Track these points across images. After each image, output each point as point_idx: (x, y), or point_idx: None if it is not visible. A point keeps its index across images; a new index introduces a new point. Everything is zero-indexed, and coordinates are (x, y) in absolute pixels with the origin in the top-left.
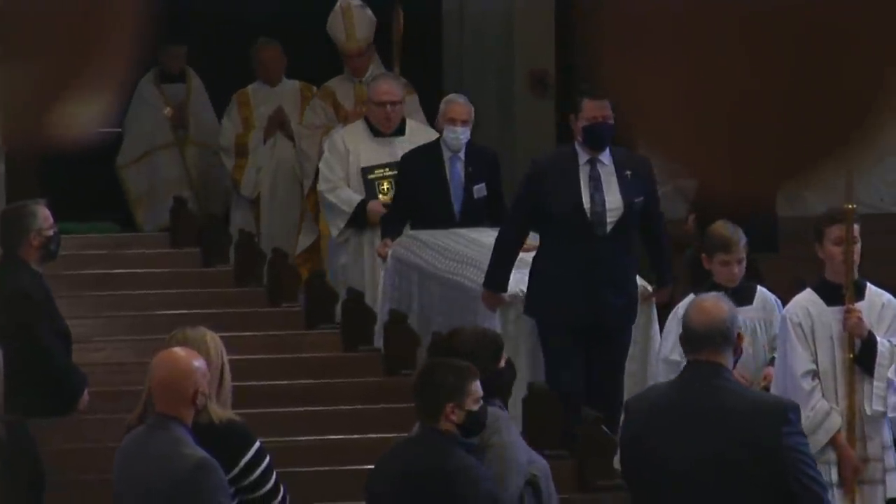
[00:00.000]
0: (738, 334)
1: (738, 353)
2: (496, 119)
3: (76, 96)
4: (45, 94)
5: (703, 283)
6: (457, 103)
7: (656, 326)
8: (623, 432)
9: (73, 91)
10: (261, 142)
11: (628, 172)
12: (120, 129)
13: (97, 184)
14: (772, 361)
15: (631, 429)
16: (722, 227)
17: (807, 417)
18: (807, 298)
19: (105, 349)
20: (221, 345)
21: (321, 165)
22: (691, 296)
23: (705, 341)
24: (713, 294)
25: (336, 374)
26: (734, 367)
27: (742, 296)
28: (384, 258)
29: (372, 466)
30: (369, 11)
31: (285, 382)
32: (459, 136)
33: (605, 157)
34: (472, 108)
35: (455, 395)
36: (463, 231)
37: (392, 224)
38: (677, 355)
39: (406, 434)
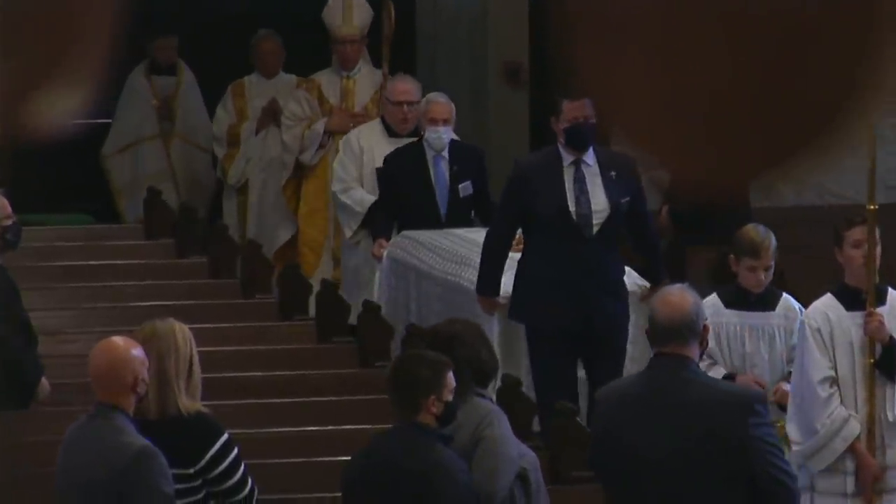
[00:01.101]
0: (704, 326)
1: (703, 344)
2: (469, 111)
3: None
4: (21, 87)
5: (728, 284)
6: (437, 103)
7: None
8: (593, 425)
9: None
10: (252, 132)
11: (613, 173)
12: (99, 121)
13: (72, 175)
14: (789, 375)
15: (600, 421)
16: (753, 231)
17: (824, 425)
18: (826, 303)
19: (79, 341)
20: (191, 336)
21: (335, 165)
22: (714, 294)
23: (672, 334)
24: (678, 286)
25: (310, 366)
26: (700, 358)
27: (765, 301)
28: (379, 259)
29: (347, 458)
30: (367, 3)
31: (259, 374)
32: (442, 135)
33: (590, 157)
34: (454, 107)
35: (435, 387)
36: (459, 231)
37: (383, 224)
38: (713, 343)
39: (382, 426)
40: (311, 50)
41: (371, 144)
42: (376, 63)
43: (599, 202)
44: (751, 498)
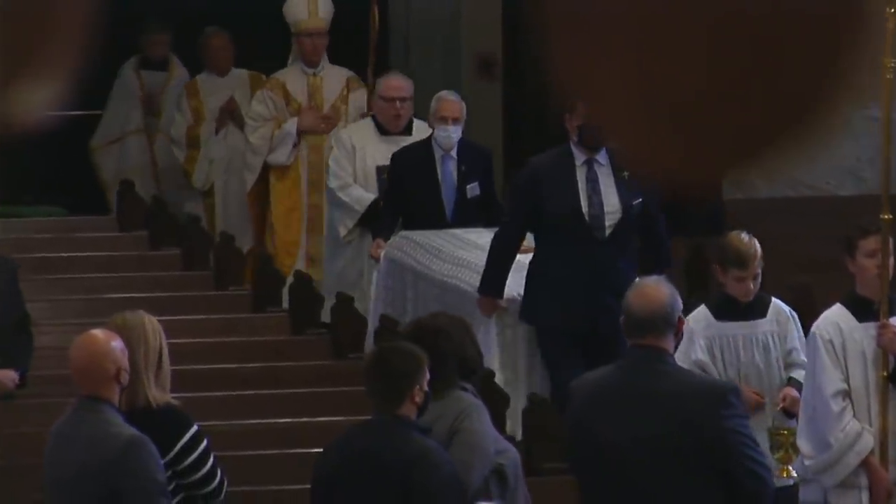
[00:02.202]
0: (679, 318)
1: (678, 336)
2: None
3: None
4: None
5: (713, 293)
6: (448, 101)
7: None
8: (567, 416)
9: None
10: (212, 133)
11: (626, 173)
12: (74, 113)
13: (45, 168)
14: (790, 381)
15: (574, 413)
16: (737, 241)
17: (837, 439)
18: (837, 314)
19: (52, 332)
20: (160, 328)
21: (331, 163)
22: (702, 306)
23: (647, 326)
24: (654, 278)
25: (283, 358)
26: (674, 350)
27: (755, 309)
28: (377, 259)
29: (320, 450)
30: None
31: (233, 366)
32: (451, 135)
33: (602, 157)
34: (464, 105)
35: (420, 378)
36: (458, 232)
37: (384, 224)
38: (706, 357)
39: (355, 418)
40: (273, 46)
41: (363, 143)
42: (332, 59)
43: (612, 203)
44: (725, 489)
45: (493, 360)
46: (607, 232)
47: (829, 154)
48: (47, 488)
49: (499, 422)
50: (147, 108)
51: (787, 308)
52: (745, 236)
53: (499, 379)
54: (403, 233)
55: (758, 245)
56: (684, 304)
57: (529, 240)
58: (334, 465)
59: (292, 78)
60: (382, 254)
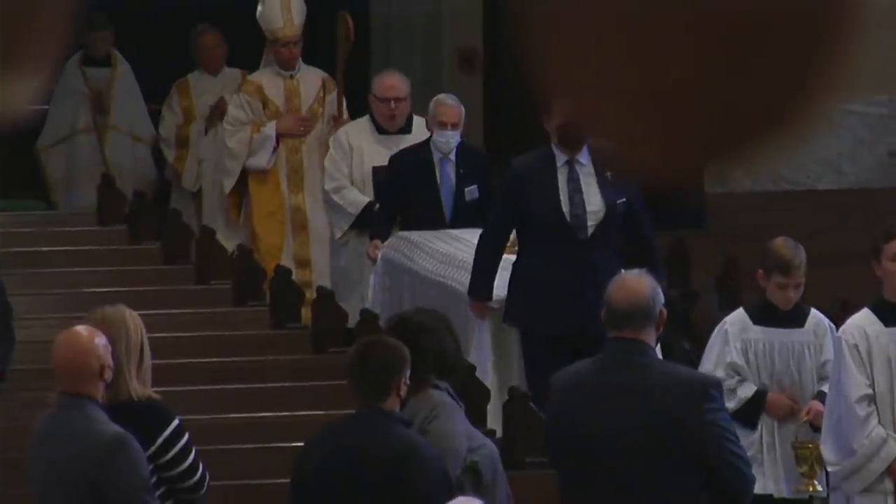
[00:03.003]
0: (661, 311)
1: (660, 329)
2: (423, 97)
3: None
4: None
5: (755, 299)
6: (446, 105)
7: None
8: (547, 410)
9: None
10: (202, 133)
11: (609, 172)
12: (45, 108)
13: (23, 162)
14: (818, 395)
15: (555, 406)
16: (783, 247)
17: (862, 445)
18: (863, 319)
19: (33, 327)
20: (141, 323)
21: (327, 163)
22: (740, 309)
23: (628, 319)
24: (636, 271)
25: (264, 352)
26: (656, 343)
27: (794, 317)
28: (374, 260)
29: (301, 444)
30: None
31: (214, 360)
32: (450, 139)
33: (584, 157)
34: (463, 109)
35: (404, 372)
36: (455, 232)
37: (381, 225)
38: (721, 372)
39: (335, 412)
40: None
41: (360, 143)
42: (305, 59)
43: (594, 203)
44: (705, 483)
45: (487, 361)
46: (590, 232)
47: (808, 147)
48: (31, 486)
49: (479, 416)
50: (95, 105)
51: (826, 320)
52: (791, 243)
53: (493, 380)
54: (400, 233)
55: (803, 253)
56: (666, 298)
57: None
58: (319, 459)
59: (268, 81)
60: (380, 254)
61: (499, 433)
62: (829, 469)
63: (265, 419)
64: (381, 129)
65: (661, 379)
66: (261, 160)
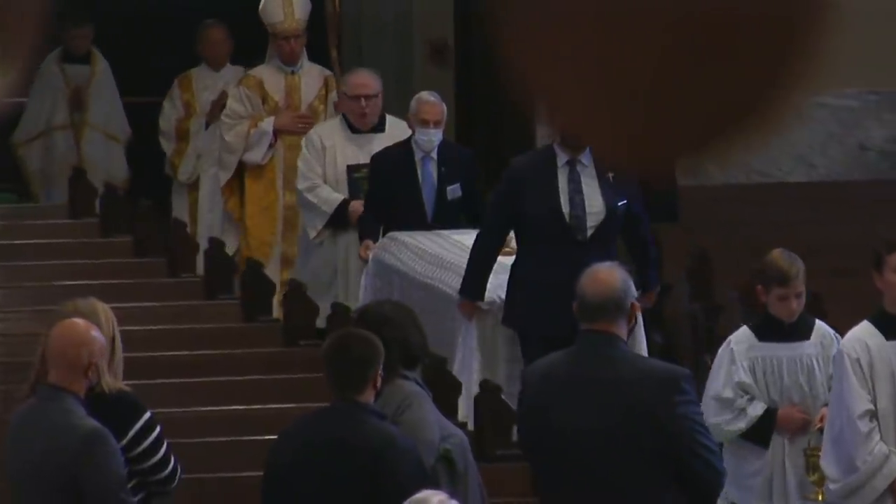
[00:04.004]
0: (632, 304)
1: (631, 321)
2: (394, 90)
3: None
4: None
5: (756, 315)
6: (428, 103)
7: (643, 333)
8: (520, 402)
9: None
10: (202, 127)
11: (611, 174)
12: (19, 103)
13: None
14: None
15: (527, 398)
16: (779, 258)
17: (865, 461)
18: (865, 332)
19: (7, 320)
20: (113, 316)
21: (300, 163)
22: (744, 327)
23: (600, 311)
24: (608, 263)
25: (235, 345)
26: (627, 336)
27: (799, 330)
28: (365, 261)
29: (272, 437)
30: None
31: (185, 353)
32: (432, 137)
33: (586, 157)
34: (445, 107)
35: (379, 364)
36: (445, 232)
37: (370, 225)
38: (730, 392)
39: (307, 405)
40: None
41: (333, 142)
42: (311, 56)
43: (595, 204)
44: (676, 475)
45: (473, 363)
46: (589, 233)
47: (779, 141)
48: (9, 478)
49: (450, 409)
50: (73, 102)
51: (831, 331)
52: (785, 254)
53: (479, 381)
54: (392, 234)
55: (800, 263)
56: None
57: (514, 241)
58: (293, 451)
59: (270, 76)
60: (371, 255)
61: (470, 426)
62: (830, 486)
63: (236, 412)
64: (353, 128)
65: (632, 372)
66: (256, 155)
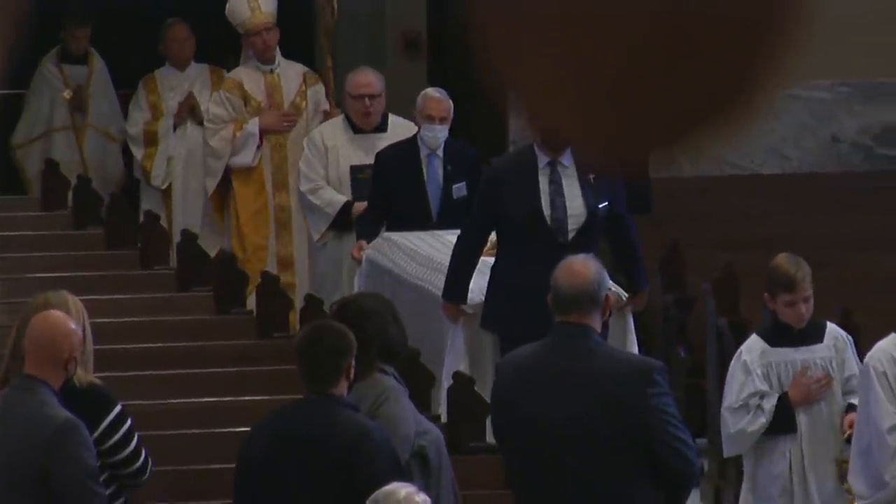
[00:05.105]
0: (606, 296)
1: (605, 314)
2: None
3: None
4: None
5: (768, 323)
6: (434, 99)
7: (633, 337)
8: (493, 394)
9: None
10: (170, 129)
11: (592, 175)
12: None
13: None
14: (850, 408)
15: (500, 390)
16: (784, 263)
17: (894, 477)
18: (891, 344)
19: None
20: (83, 308)
21: (301, 164)
22: (754, 335)
23: (574, 303)
24: (582, 255)
25: (209, 337)
26: (601, 328)
27: (811, 334)
28: (359, 261)
29: (246, 429)
30: None
31: (158, 345)
32: (438, 134)
33: (567, 159)
34: (451, 104)
35: (351, 357)
36: (439, 233)
37: (368, 225)
38: (743, 402)
39: (280, 397)
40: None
41: (336, 142)
42: (285, 54)
43: (576, 206)
44: (651, 467)
45: (461, 366)
46: (570, 236)
47: (752, 132)
48: None
49: (424, 402)
50: (74, 103)
51: (843, 333)
52: (791, 258)
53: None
54: (386, 234)
55: (807, 266)
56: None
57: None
58: (266, 444)
59: (249, 77)
60: (364, 256)
61: (444, 419)
62: (857, 503)
63: (209, 404)
64: (356, 128)
65: (606, 363)
66: (245, 157)
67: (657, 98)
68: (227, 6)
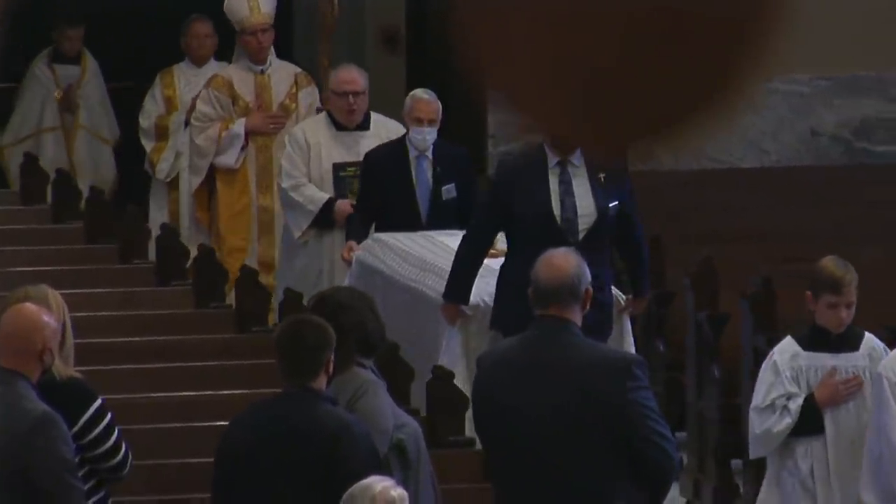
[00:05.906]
0: (587, 290)
1: (585, 307)
2: None
3: None
4: None
5: (804, 325)
6: (423, 100)
7: (630, 339)
8: (474, 387)
9: None
10: (182, 124)
11: (602, 174)
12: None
13: None
14: None
15: (480, 384)
16: (832, 265)
17: None
18: None
19: None
20: (63, 303)
21: (283, 161)
22: (788, 338)
23: (553, 296)
24: (563, 249)
25: (188, 331)
26: (580, 321)
27: (847, 341)
28: (349, 262)
29: (225, 423)
30: None
31: (137, 339)
32: (426, 136)
33: (577, 158)
34: (440, 105)
35: (330, 351)
36: (431, 234)
37: (358, 226)
38: (793, 388)
39: (259, 391)
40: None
41: (318, 140)
42: (279, 54)
43: (586, 206)
44: (630, 461)
45: (457, 369)
46: (580, 236)
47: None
48: None
49: (403, 396)
50: (65, 104)
51: (881, 343)
52: (840, 261)
53: (464, 389)
54: (376, 235)
55: (854, 272)
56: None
57: (501, 243)
58: (245, 438)
59: (239, 76)
60: (354, 257)
61: (423, 412)
62: None
63: (188, 398)
64: (339, 126)
65: (585, 357)
66: (229, 158)
67: (638, 93)
68: (226, 2)
